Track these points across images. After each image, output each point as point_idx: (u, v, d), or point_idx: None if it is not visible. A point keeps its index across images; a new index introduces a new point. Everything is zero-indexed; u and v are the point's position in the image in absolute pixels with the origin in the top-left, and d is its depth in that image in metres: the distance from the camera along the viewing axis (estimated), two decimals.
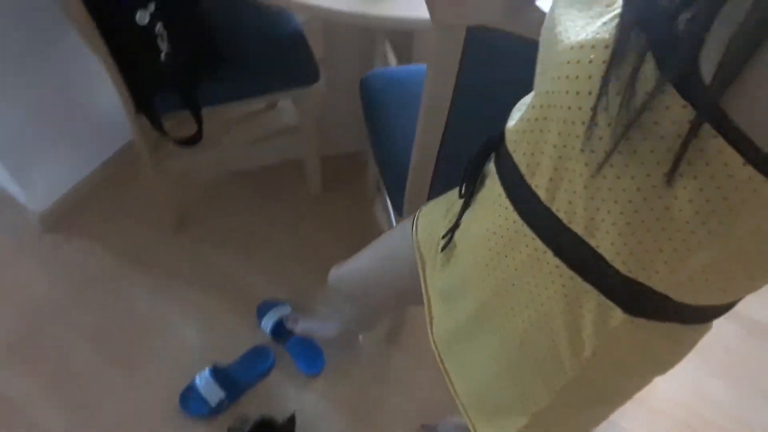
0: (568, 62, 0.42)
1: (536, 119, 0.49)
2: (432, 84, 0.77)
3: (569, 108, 0.43)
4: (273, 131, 1.81)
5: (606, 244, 0.47)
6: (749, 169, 0.35)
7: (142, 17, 1.09)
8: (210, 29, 1.26)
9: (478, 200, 0.64)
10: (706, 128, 0.35)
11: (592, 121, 0.41)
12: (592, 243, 0.48)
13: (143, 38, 1.13)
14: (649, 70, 0.37)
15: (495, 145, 0.60)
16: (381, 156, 1.21)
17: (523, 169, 0.52)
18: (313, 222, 1.65)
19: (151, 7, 1.10)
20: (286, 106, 1.82)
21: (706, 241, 0.40)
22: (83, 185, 1.68)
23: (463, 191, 0.66)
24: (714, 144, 0.35)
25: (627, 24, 0.38)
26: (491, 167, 0.61)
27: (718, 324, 0.54)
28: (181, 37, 1.16)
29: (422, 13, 1.01)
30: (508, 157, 0.55)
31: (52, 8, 1.25)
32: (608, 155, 0.41)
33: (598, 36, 0.40)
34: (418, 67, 1.34)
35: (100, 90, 1.58)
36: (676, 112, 0.36)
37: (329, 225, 1.65)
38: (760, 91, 0.33)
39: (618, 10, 0.40)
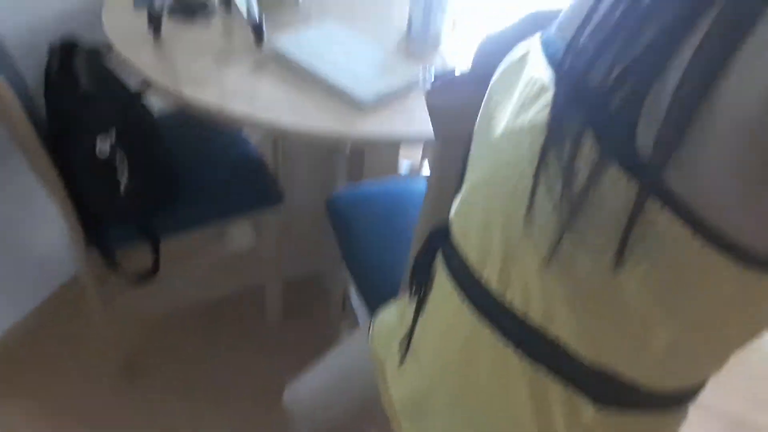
0: (507, 148, 0.43)
1: (482, 208, 0.49)
2: (434, 192, 0.76)
3: (513, 193, 0.43)
4: (227, 258, 1.72)
5: (566, 332, 0.45)
6: (700, 241, 0.34)
7: (103, 147, 1.04)
8: (169, 156, 1.22)
9: (430, 301, 0.62)
10: (652, 202, 0.34)
11: (532, 205, 0.40)
12: (552, 333, 0.46)
13: (101, 168, 1.07)
14: (588, 148, 0.37)
15: (442, 238, 0.59)
16: (359, 269, 1.18)
17: (472, 260, 0.51)
18: (275, 355, 1.53)
19: (112, 135, 1.05)
20: (238, 230, 1.76)
21: (665, 321, 0.39)
22: (16, 332, 1.50)
23: (412, 293, 0.63)
24: (662, 218, 0.34)
25: (561, 105, 0.39)
26: (439, 263, 0.59)
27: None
28: (143, 166, 1.11)
29: (399, 127, 1.03)
30: (456, 249, 0.54)
31: None
32: (557, 239, 0.40)
33: (535, 120, 0.41)
34: (386, 183, 1.35)
35: (38, 221, 1.46)
36: (619, 188, 0.36)
37: (292, 357, 1.53)
38: (699, 161, 0.33)
39: (549, 97, 0.41)
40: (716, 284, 0.36)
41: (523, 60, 0.47)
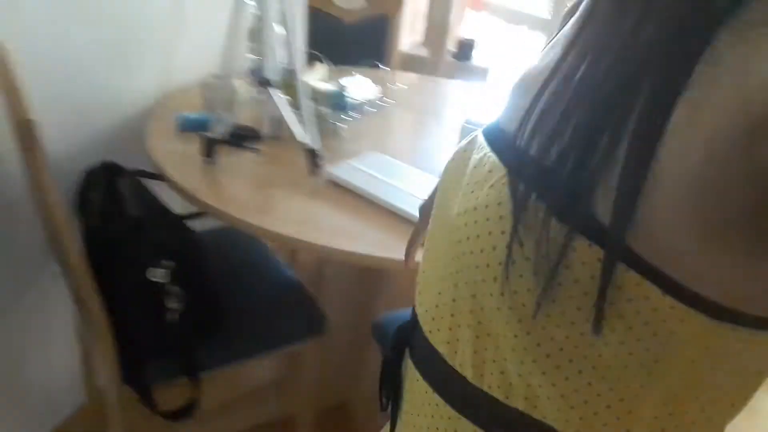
0: (466, 224, 0.43)
1: (447, 289, 0.47)
2: None
3: (477, 267, 0.43)
4: (257, 388, 1.61)
5: (552, 411, 0.43)
6: (670, 299, 0.34)
7: (156, 276, 0.99)
8: (216, 284, 1.16)
9: (405, 405, 0.58)
10: (620, 265, 0.35)
11: (505, 281, 0.40)
12: (538, 415, 0.44)
13: (150, 298, 1.01)
14: (553, 220, 0.37)
15: (409, 333, 0.56)
16: None
17: (443, 350, 0.49)
18: None
19: (165, 263, 1.00)
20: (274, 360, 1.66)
21: (648, 383, 0.39)
22: None
23: (383, 403, 0.60)
24: (630, 279, 0.35)
25: (515, 185, 0.40)
26: (409, 363, 0.56)
27: None
28: (193, 295, 1.05)
29: None
30: (425, 342, 0.52)
31: (33, 246, 1.11)
32: (536, 311, 0.39)
33: (489, 197, 0.42)
34: None
35: (41, 348, 1.36)
36: (584, 254, 0.36)
37: None
38: (654, 222, 0.33)
39: (501, 174, 0.42)
40: (693, 340, 0.36)
41: (470, 144, 0.49)
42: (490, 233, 0.41)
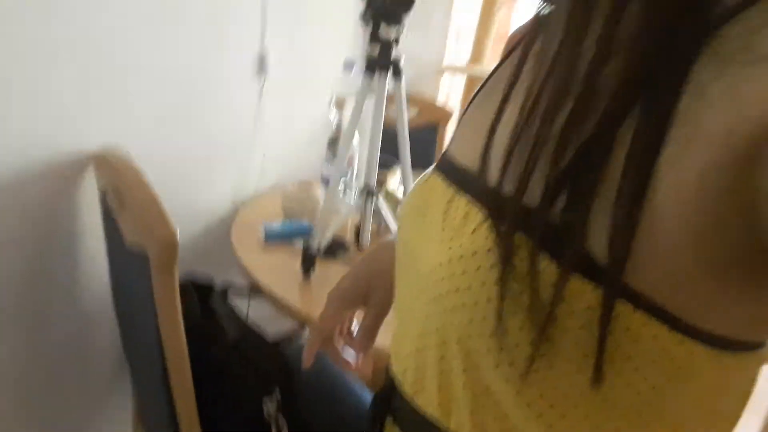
0: (452, 276, 0.39)
1: (430, 347, 0.43)
2: None
3: (470, 322, 0.39)
4: None
5: None
6: (678, 335, 0.34)
7: (269, 408, 0.88)
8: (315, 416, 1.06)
9: None
10: (623, 306, 0.33)
11: (502, 333, 0.37)
12: None
13: (262, 429, 0.90)
14: (545, 261, 0.35)
15: (388, 399, 0.52)
16: None
17: (433, 413, 0.45)
18: None
19: (276, 394, 0.91)
20: None
21: (654, 419, 0.37)
22: None
23: None
24: (637, 319, 0.33)
25: (501, 228, 0.37)
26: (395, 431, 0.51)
27: None
28: (297, 428, 0.94)
29: None
30: (408, 405, 0.48)
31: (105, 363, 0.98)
32: (530, 362, 0.36)
33: (476, 244, 0.39)
34: None
35: None
36: (586, 296, 0.34)
37: None
38: (652, 259, 0.32)
39: (481, 219, 0.39)
40: (701, 372, 0.35)
41: (425, 188, 0.48)
42: (483, 284, 0.37)
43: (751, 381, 0.39)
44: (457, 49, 2.28)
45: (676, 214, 0.31)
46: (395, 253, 0.51)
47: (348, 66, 1.47)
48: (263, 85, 1.44)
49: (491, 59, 2.25)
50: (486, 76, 0.52)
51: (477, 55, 2.28)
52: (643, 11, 0.33)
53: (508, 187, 0.38)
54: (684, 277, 0.32)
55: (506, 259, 0.36)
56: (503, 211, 0.37)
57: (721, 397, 0.38)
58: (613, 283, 0.33)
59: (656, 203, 0.31)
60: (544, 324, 0.35)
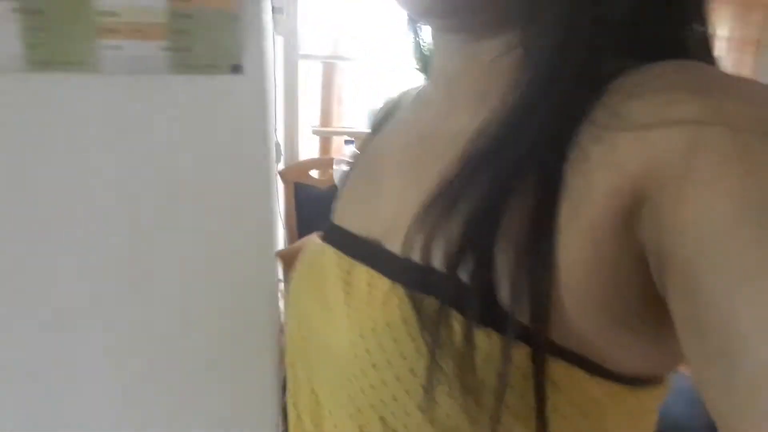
0: (368, 351, 0.38)
1: (356, 427, 0.41)
2: None
3: (395, 399, 0.37)
4: None
5: None
6: (597, 379, 0.35)
7: None
8: None
9: None
10: (549, 359, 0.34)
11: (430, 400, 0.36)
12: None
13: None
14: (458, 321, 0.35)
15: None
16: None
17: None
18: None
19: None
20: None
21: None
22: None
23: None
24: (559, 369, 0.34)
25: (414, 297, 0.36)
26: None
27: None
28: None
29: None
30: None
31: None
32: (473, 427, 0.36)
33: (389, 315, 0.37)
34: None
35: None
36: (515, 356, 0.34)
37: None
38: (565, 312, 0.33)
39: (388, 288, 0.38)
40: (619, 409, 0.36)
41: (315, 265, 0.47)
42: (403, 357, 0.36)
43: (655, 414, 0.40)
44: None
45: (577, 273, 0.32)
46: (287, 331, 0.49)
47: None
48: None
49: None
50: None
51: None
52: (531, 84, 0.36)
53: (415, 255, 0.37)
54: (594, 326, 0.33)
55: (429, 328, 0.35)
56: (412, 279, 0.37)
57: (639, 429, 0.39)
58: (540, 342, 0.33)
59: (559, 261, 0.33)
60: (475, 392, 0.34)
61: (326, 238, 0.48)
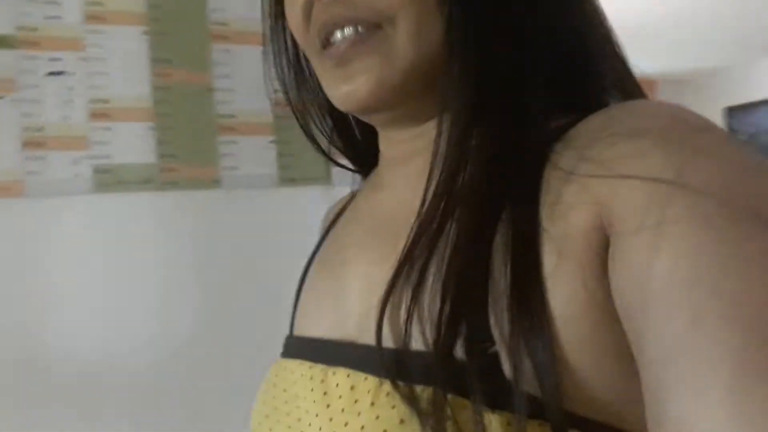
0: None
1: None
2: None
3: None
4: None
5: None
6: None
7: None
8: None
9: None
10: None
11: None
12: None
13: None
14: (462, 407, 0.31)
15: None
16: None
17: None
18: None
19: None
20: None
21: None
22: None
23: None
24: None
25: (407, 391, 0.32)
26: None
27: None
28: None
29: None
30: None
31: None
32: None
33: (382, 419, 0.33)
34: None
35: None
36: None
37: None
38: (572, 376, 0.31)
39: (373, 386, 0.34)
40: None
41: (284, 377, 0.41)
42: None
43: None
44: None
45: (575, 322, 0.31)
46: None
47: None
48: None
49: None
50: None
51: None
52: (483, 146, 0.35)
53: (395, 342, 0.34)
54: (608, 381, 0.31)
55: (438, 421, 0.31)
56: (402, 369, 0.32)
57: None
58: (557, 415, 0.30)
59: (554, 316, 0.31)
60: None
61: (289, 354, 0.44)
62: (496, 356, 0.31)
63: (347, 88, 0.38)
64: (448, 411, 0.30)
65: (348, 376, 0.36)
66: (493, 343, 0.31)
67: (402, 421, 0.32)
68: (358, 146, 0.51)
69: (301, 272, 0.50)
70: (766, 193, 0.28)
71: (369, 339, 0.36)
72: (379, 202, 0.45)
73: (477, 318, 0.32)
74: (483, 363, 0.31)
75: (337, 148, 0.51)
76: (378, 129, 0.44)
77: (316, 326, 0.44)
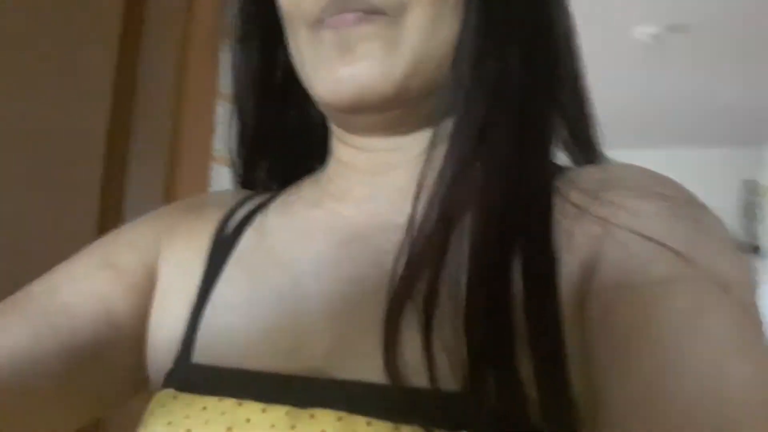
0: None
1: None
2: None
3: None
4: None
5: None
6: None
7: None
8: None
9: None
10: None
11: None
12: None
13: None
14: None
15: None
16: None
17: None
18: None
19: None
20: None
21: None
22: None
23: None
24: None
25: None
26: None
27: None
28: None
29: None
30: None
31: None
32: None
33: None
34: None
35: None
36: None
37: None
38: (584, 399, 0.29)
39: (389, 428, 0.29)
40: None
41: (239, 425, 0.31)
42: None
43: None
44: None
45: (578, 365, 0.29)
46: None
47: None
48: None
49: None
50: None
51: None
52: (490, 177, 0.33)
53: (410, 379, 0.29)
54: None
55: None
56: (427, 414, 0.28)
57: None
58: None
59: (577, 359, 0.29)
60: None
61: (208, 389, 0.33)
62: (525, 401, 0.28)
63: (347, 71, 0.33)
64: None
65: (340, 419, 0.29)
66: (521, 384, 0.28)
67: None
68: (288, 153, 0.45)
69: (198, 286, 0.39)
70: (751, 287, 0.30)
71: (349, 373, 0.31)
72: (342, 215, 0.38)
73: (509, 352, 0.28)
74: (517, 405, 0.28)
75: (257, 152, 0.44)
76: (346, 134, 0.39)
77: (248, 356, 0.34)
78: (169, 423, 0.31)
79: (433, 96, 0.36)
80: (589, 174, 0.34)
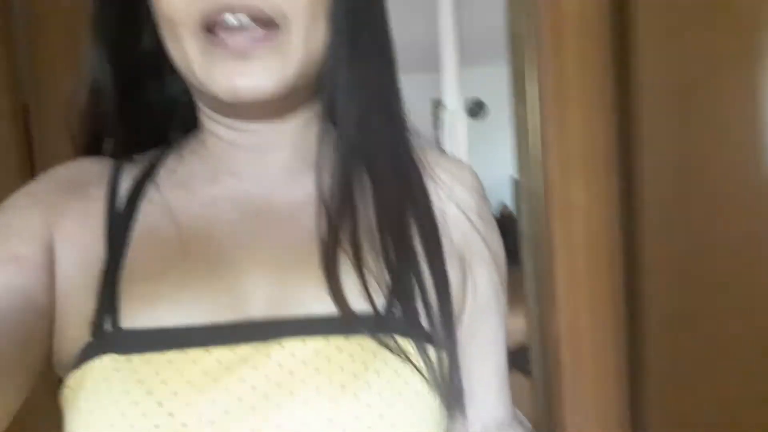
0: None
1: None
2: None
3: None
4: None
5: None
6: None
7: None
8: None
9: None
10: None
11: None
12: None
13: None
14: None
15: None
16: None
17: None
18: None
19: None
20: None
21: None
22: None
23: None
24: None
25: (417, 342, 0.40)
26: None
27: None
28: None
29: None
30: None
31: None
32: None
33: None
34: None
35: None
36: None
37: None
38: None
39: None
40: None
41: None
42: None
43: None
44: None
45: (456, 288, 0.45)
46: None
47: None
48: None
49: None
50: None
51: None
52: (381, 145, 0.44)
53: (326, 310, 0.37)
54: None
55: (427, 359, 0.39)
56: (394, 327, 0.38)
57: None
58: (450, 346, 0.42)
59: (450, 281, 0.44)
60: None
61: (177, 344, 0.35)
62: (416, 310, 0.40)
63: (245, 82, 0.36)
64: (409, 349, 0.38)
65: (304, 342, 0.35)
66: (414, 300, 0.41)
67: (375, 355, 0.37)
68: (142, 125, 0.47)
69: (105, 261, 0.39)
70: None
71: (296, 312, 0.37)
72: (245, 191, 0.43)
73: (409, 287, 0.41)
74: (413, 316, 0.40)
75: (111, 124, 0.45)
76: (223, 117, 0.42)
77: (191, 315, 0.37)
78: (139, 381, 0.33)
79: (308, 87, 0.42)
80: (444, 163, 0.48)
